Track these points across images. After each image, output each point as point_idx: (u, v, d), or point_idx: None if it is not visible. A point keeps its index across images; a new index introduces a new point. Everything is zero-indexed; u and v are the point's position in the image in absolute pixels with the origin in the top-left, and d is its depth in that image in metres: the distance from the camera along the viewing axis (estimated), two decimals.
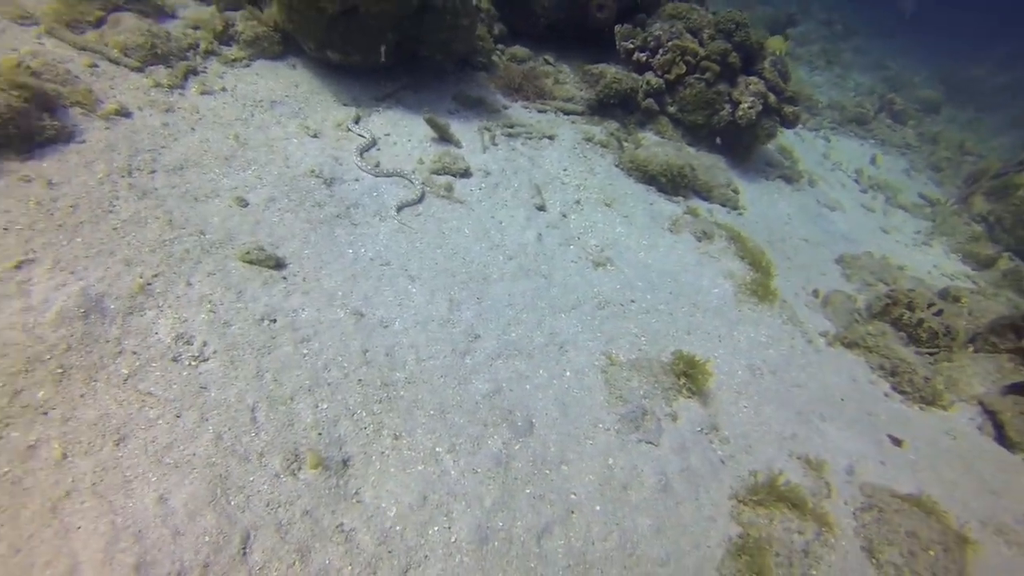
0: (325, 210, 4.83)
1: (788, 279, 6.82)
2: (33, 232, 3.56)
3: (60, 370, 2.98)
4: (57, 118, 4.30)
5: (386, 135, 6.14)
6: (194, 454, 2.90)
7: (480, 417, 3.72)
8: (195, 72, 5.70)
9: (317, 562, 2.75)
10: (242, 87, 5.84)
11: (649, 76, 8.52)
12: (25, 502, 2.50)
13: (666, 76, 8.49)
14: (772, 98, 8.85)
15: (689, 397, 4.47)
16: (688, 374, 4.52)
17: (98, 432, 2.82)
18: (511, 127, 7.11)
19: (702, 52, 8.43)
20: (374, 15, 5.98)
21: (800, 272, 7.25)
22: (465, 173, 6.01)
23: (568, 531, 3.31)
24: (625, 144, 7.85)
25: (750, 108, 8.51)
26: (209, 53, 6.01)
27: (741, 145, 9.06)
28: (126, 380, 3.07)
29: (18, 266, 3.34)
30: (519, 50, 8.55)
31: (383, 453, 3.31)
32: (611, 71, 8.25)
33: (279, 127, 5.55)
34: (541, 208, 6.05)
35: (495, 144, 6.70)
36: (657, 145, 7.89)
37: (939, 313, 6.43)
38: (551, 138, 7.25)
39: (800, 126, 11.16)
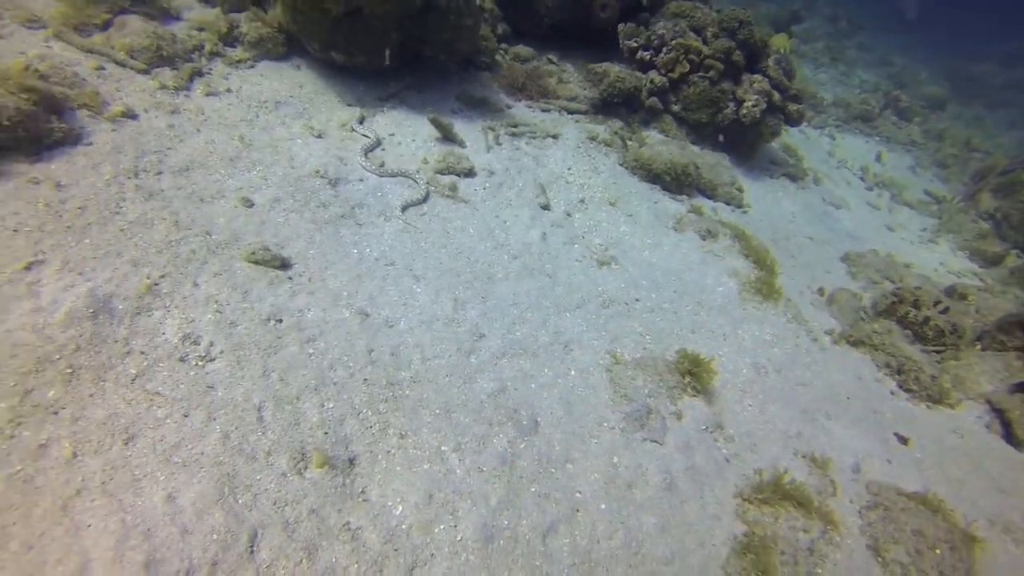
0: (330, 210, 4.85)
1: (793, 277, 6.80)
2: (42, 234, 3.60)
3: (69, 370, 3.01)
4: (65, 120, 4.34)
5: (390, 135, 6.16)
6: (202, 453, 2.93)
7: (485, 416, 3.73)
8: (200, 74, 5.73)
9: (324, 560, 2.77)
10: (247, 88, 5.87)
11: (653, 75, 8.51)
12: (36, 500, 2.53)
13: (670, 75, 8.47)
14: (776, 96, 8.81)
15: (694, 396, 4.46)
16: (693, 373, 4.51)
17: (107, 431, 2.85)
18: (515, 126, 7.11)
19: (706, 50, 8.41)
20: (378, 16, 6.00)
21: (805, 270, 7.23)
22: (469, 173, 6.02)
23: (573, 529, 3.32)
24: (629, 143, 7.83)
25: (754, 106, 8.48)
26: (214, 55, 6.04)
27: (745, 143, 9.04)
28: (134, 380, 3.10)
29: (28, 267, 3.38)
30: (523, 50, 8.56)
31: (389, 452, 3.33)
32: (615, 70, 8.24)
33: (284, 128, 5.58)
34: (545, 207, 6.05)
35: (499, 144, 6.71)
36: (661, 144, 7.87)
37: (946, 311, 6.39)
38: (555, 137, 7.25)
39: (805, 124, 11.14)
